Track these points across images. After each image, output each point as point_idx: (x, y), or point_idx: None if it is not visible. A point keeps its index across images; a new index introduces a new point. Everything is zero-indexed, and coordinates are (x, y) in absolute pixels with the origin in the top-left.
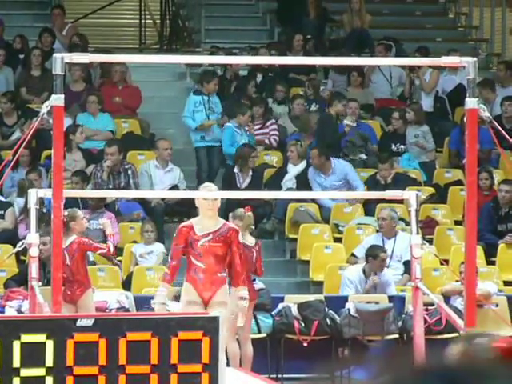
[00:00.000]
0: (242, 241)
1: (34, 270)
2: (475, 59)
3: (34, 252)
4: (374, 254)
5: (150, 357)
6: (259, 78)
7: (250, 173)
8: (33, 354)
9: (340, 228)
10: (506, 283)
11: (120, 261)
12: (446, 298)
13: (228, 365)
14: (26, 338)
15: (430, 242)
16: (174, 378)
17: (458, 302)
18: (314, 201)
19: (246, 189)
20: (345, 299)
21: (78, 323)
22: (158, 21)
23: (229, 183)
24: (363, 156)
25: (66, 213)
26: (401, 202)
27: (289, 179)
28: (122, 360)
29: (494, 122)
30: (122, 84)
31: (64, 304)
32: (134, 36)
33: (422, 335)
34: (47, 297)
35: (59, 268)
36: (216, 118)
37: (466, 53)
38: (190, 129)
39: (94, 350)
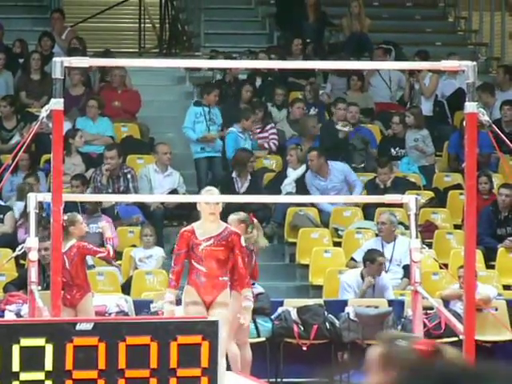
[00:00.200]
0: (245, 244)
1: (33, 274)
2: (475, 63)
3: (33, 256)
4: (372, 258)
5: (150, 361)
6: (258, 82)
7: (249, 177)
8: (32, 358)
9: (339, 232)
10: (506, 287)
11: (119, 265)
12: (446, 302)
13: (228, 369)
14: (26, 341)
15: (430, 246)
16: (173, 382)
17: (458, 306)
18: (313, 205)
19: (245, 193)
20: (344, 303)
21: (78, 327)
22: (158, 25)
23: (227, 188)
24: (362, 165)
25: (65, 217)
26: (400, 206)
27: (288, 183)
28: (122, 364)
29: (494, 126)
30: (121, 88)
31: (63, 308)
32: (134, 40)
33: None
34: (47, 301)
35: (58, 272)
36: (216, 129)
37: (466, 57)
38: (190, 140)
39: (93, 354)
